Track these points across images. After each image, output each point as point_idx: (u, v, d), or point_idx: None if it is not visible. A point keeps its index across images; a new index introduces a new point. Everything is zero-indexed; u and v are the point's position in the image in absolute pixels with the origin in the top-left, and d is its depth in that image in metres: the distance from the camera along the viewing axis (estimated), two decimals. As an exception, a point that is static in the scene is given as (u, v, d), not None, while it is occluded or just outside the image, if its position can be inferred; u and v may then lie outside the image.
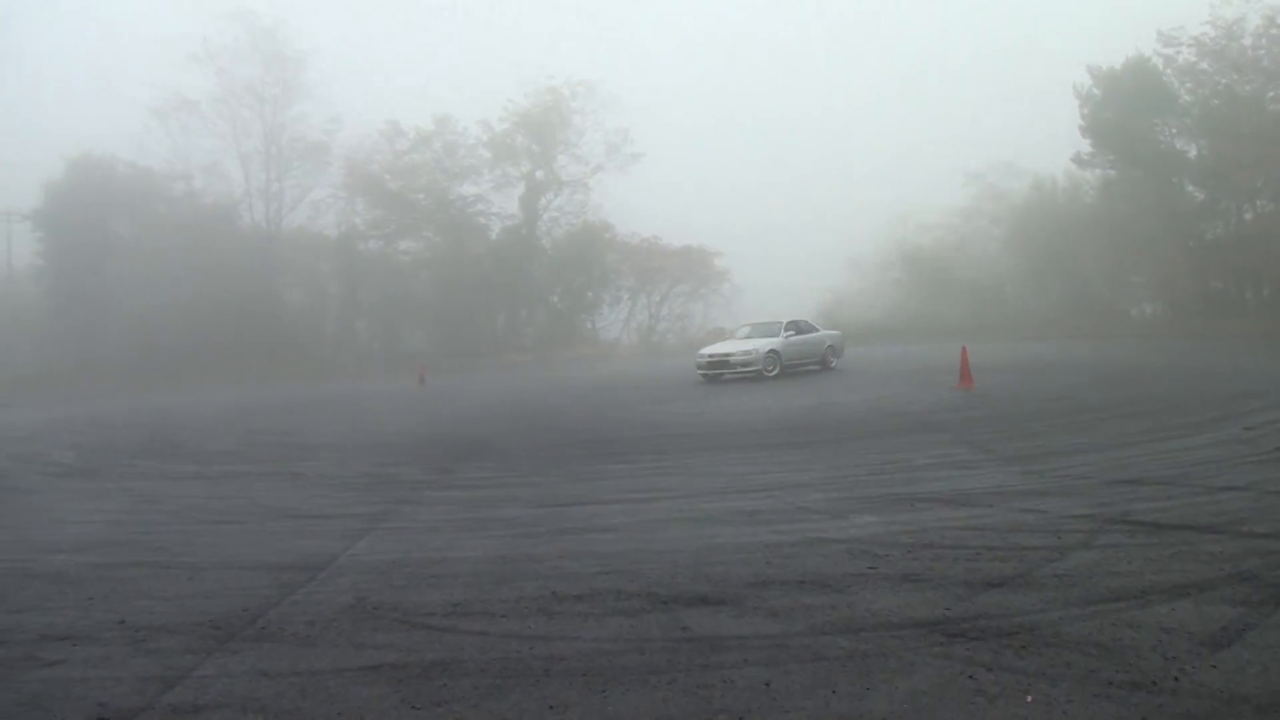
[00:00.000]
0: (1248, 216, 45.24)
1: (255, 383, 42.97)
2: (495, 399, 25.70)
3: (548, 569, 6.29)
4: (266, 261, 53.68)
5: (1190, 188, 47.22)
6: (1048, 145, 60.78)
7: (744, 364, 26.62)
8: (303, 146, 55.98)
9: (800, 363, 28.34)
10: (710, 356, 27.61)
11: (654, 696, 4.05)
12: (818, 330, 29.89)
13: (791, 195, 76.76)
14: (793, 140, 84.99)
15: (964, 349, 20.06)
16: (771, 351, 27.12)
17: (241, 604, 5.83)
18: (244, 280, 51.49)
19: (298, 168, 56.55)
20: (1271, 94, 43.89)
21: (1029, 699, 3.81)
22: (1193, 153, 46.95)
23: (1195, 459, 9.16)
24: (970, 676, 4.05)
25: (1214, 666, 4.01)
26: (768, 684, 4.09)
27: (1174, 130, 47.15)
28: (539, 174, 58.76)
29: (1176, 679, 3.90)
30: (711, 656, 4.47)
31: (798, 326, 28.94)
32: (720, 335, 57.91)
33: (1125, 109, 46.80)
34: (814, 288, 58.86)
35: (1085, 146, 49.59)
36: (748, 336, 28.98)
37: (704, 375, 27.52)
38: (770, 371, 26.81)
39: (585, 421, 17.73)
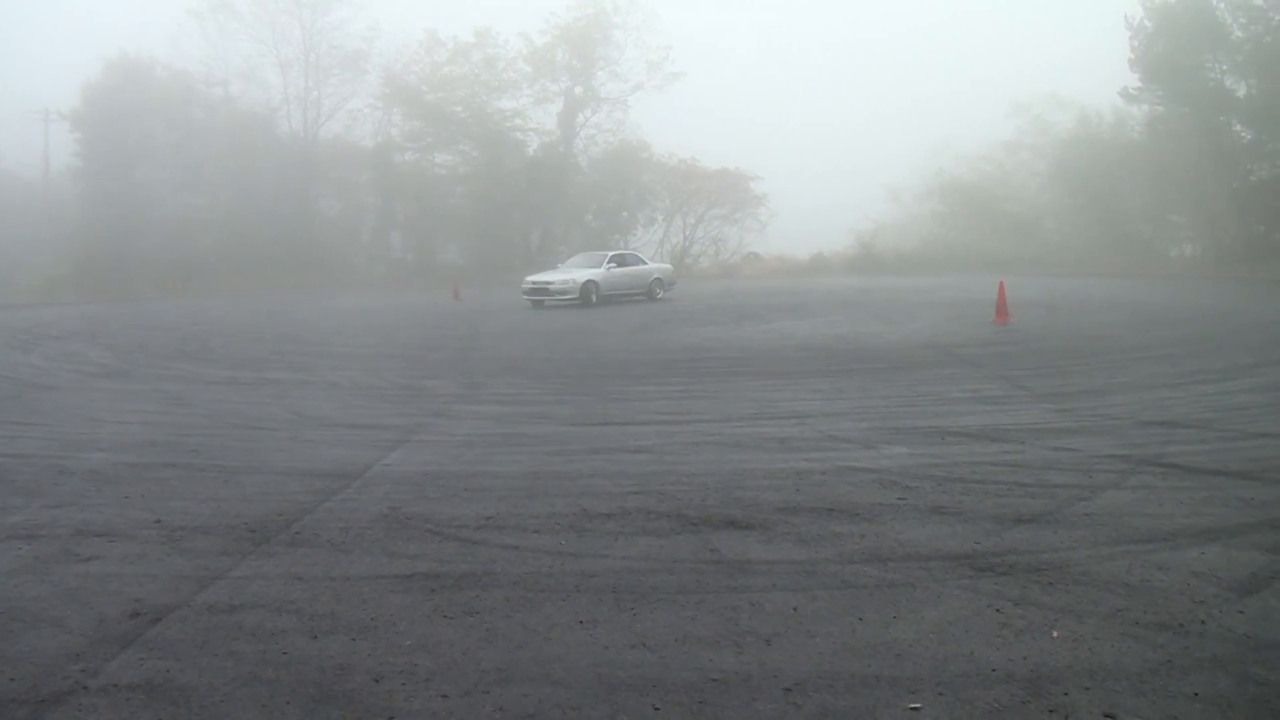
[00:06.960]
0: (1296, 159, 44.08)
1: (289, 292, 43.16)
2: (529, 315, 25.74)
3: (579, 487, 6.36)
4: (303, 170, 53.31)
5: (1238, 127, 45.77)
6: (1095, 79, 59.04)
7: (561, 292, 28.82)
8: (341, 54, 54.79)
9: (624, 293, 30.58)
10: (533, 284, 29.68)
11: (681, 616, 4.10)
12: (645, 264, 32.72)
13: (832, 122, 75.78)
14: (835, 66, 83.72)
15: (1001, 283, 19.93)
16: (590, 282, 29.17)
17: (276, 509, 5.94)
18: (280, 188, 51.25)
19: (336, 76, 55.43)
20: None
21: (1055, 635, 3.84)
22: (1242, 91, 45.45)
23: (1231, 404, 9.11)
24: (997, 610, 4.08)
25: (1241, 612, 4.01)
26: (795, 609, 4.14)
27: (1224, 67, 45.49)
28: (578, 90, 57.77)
29: (1203, 622, 3.91)
30: (739, 579, 4.52)
31: (621, 259, 31.69)
32: (754, 260, 57.76)
33: (1177, 43, 45.29)
34: (852, 215, 58.05)
35: (1134, 81, 48.15)
36: (578, 266, 31.26)
37: (530, 301, 29.45)
38: (591, 300, 28.80)
39: (617, 341, 17.78)
